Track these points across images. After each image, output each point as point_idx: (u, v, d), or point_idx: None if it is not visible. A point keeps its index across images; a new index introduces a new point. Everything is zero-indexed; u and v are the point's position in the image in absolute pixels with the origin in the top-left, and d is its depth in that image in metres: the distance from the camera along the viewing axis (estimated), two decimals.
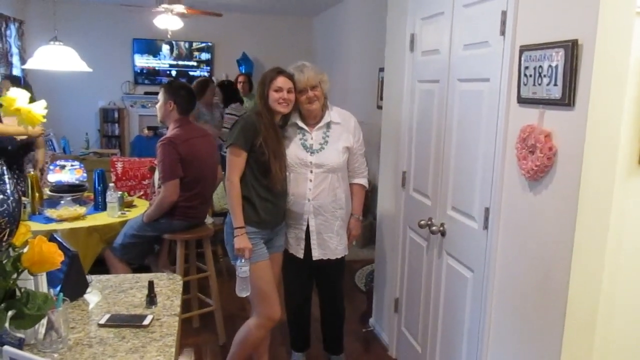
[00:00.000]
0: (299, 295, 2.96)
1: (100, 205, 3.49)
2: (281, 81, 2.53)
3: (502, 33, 1.99)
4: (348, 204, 2.78)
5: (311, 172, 2.65)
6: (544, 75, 1.73)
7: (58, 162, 4.05)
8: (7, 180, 1.15)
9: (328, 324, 3.03)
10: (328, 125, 2.70)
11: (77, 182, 3.92)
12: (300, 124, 2.69)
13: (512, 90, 1.94)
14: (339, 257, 2.77)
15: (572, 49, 1.60)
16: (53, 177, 3.94)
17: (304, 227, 2.69)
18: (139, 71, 8.37)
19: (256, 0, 7.06)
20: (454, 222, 2.42)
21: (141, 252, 3.25)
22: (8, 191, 1.14)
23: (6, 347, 1.10)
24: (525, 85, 1.85)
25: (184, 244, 3.22)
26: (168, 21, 5.99)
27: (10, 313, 1.16)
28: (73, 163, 4.02)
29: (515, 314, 1.97)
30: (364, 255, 5.00)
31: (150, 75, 8.42)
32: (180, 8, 5.68)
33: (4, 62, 6.55)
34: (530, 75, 1.81)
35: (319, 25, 8.43)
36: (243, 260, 2.48)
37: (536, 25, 1.83)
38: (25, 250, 1.26)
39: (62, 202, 3.53)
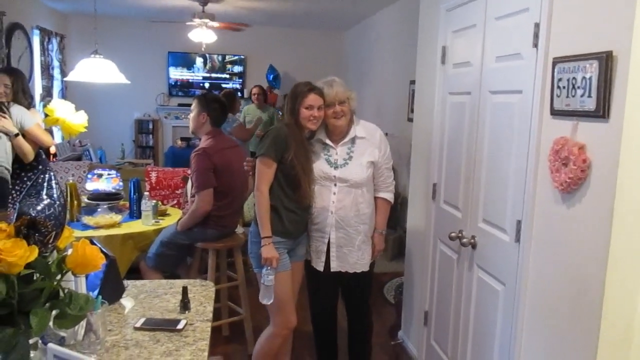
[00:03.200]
0: (323, 307, 2.97)
1: (135, 214, 3.58)
2: (312, 99, 2.56)
3: (535, 45, 1.99)
4: (373, 218, 2.78)
5: (335, 185, 2.66)
6: (578, 87, 1.72)
7: (96, 171, 4.17)
8: (54, 186, 1.21)
9: (354, 337, 3.02)
10: (353, 140, 2.71)
11: (113, 190, 4.03)
12: (325, 139, 2.71)
13: (545, 102, 1.93)
14: (358, 271, 2.76)
15: (606, 61, 1.59)
16: (91, 185, 4.06)
17: (326, 240, 2.70)
18: (173, 83, 8.57)
19: (288, 15, 7.17)
20: (485, 234, 2.40)
21: (174, 261, 3.32)
22: (55, 196, 1.20)
23: (51, 345, 1.15)
24: (558, 97, 1.84)
25: (215, 252, 3.28)
26: (202, 35, 6.14)
27: (54, 312, 1.21)
28: (110, 172, 4.13)
29: (548, 329, 1.94)
30: (393, 267, 4.98)
31: (184, 88, 8.62)
32: (213, 22, 5.82)
33: (45, 75, 6.79)
34: (564, 87, 1.80)
35: (349, 39, 8.50)
36: (269, 269, 2.51)
37: (569, 37, 1.82)
38: (68, 252, 1.32)
39: (98, 209, 3.64)
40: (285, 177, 2.56)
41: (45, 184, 1.21)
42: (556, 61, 1.85)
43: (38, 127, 3.49)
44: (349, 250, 2.70)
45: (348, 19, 7.48)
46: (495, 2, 2.35)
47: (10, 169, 3.50)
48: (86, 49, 4.61)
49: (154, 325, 1.71)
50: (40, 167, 1.20)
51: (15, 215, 1.18)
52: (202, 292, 2.03)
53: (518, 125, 2.12)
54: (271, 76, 8.30)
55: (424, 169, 3.20)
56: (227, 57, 8.62)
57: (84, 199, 3.80)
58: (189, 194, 3.65)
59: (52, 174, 1.23)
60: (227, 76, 8.70)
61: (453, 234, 2.60)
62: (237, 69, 8.73)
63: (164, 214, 3.72)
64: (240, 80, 8.70)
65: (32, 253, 1.14)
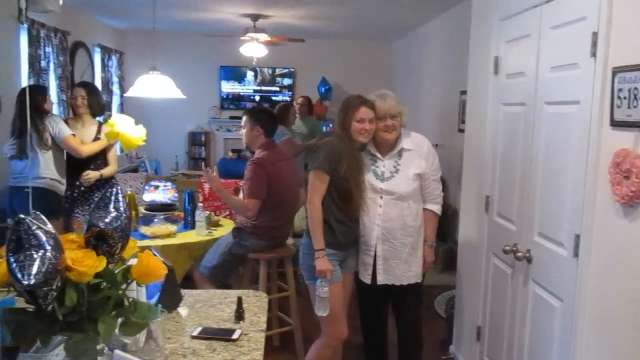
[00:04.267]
0: (373, 319, 2.96)
1: (189, 224, 3.69)
2: (364, 112, 2.58)
3: (593, 54, 1.94)
4: (420, 231, 2.76)
5: (381, 197, 2.66)
6: None
7: (152, 183, 4.33)
8: (120, 199, 1.27)
9: (405, 350, 2.99)
10: (400, 152, 2.71)
11: (169, 201, 4.17)
12: (373, 151, 2.72)
13: (604, 112, 1.87)
14: (404, 284, 2.74)
15: None
16: (147, 196, 4.21)
17: (372, 253, 2.70)
18: (225, 96, 8.79)
19: (337, 27, 7.24)
20: (541, 248, 2.34)
21: (227, 271, 3.39)
22: (121, 208, 1.26)
23: (117, 351, 1.21)
24: (619, 107, 1.78)
25: (267, 263, 3.33)
26: (253, 49, 6.28)
27: (119, 320, 1.27)
28: (165, 184, 4.28)
29: (608, 348, 1.87)
30: (443, 280, 4.90)
31: (235, 101, 8.82)
32: (265, 36, 5.94)
33: (105, 90, 7.11)
34: (625, 98, 1.75)
35: (398, 50, 8.49)
36: (323, 281, 2.54)
37: (630, 46, 1.77)
38: (131, 262, 1.38)
39: (155, 220, 3.76)
40: (337, 190, 2.58)
41: (113, 198, 1.28)
42: (616, 71, 1.80)
43: (72, 137, 3.67)
44: (396, 263, 2.69)
45: (397, 30, 7.48)
46: (550, 11, 2.31)
47: (60, 179, 3.68)
48: (143, 64, 4.81)
49: (210, 335, 1.76)
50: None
51: (86, 227, 1.25)
52: (256, 303, 2.07)
53: (575, 136, 2.07)
54: (323, 88, 8.38)
55: (476, 180, 3.16)
56: (276, 70, 8.77)
57: (141, 209, 3.94)
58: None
59: (119, 188, 1.30)
60: (277, 89, 8.85)
61: (507, 248, 2.55)
62: (287, 81, 8.86)
63: (216, 224, 3.81)
64: (290, 92, 8.83)
65: (100, 263, 1.21)
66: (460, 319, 3.42)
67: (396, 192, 2.65)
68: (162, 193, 4.21)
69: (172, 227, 3.54)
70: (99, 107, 3.96)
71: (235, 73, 8.75)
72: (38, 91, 3.82)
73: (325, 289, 2.53)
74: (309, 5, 5.82)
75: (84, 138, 3.85)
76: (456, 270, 3.52)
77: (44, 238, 1.12)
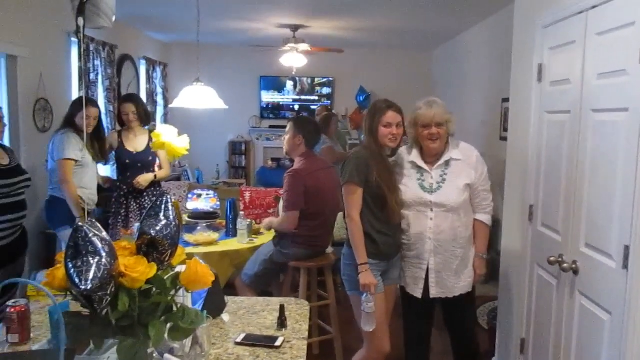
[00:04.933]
0: (418, 334, 2.90)
1: (231, 232, 3.76)
2: (391, 116, 2.57)
3: None
4: (470, 241, 2.72)
5: (431, 210, 2.63)
6: None
7: (195, 191, 4.42)
8: (170, 208, 1.32)
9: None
10: (447, 162, 2.68)
11: (211, 209, 4.25)
12: (419, 163, 2.69)
13: None
14: (456, 295, 2.70)
15: None
16: (191, 204, 4.31)
17: (424, 267, 2.66)
18: (264, 106, 8.92)
19: (376, 36, 7.26)
20: (588, 259, 2.28)
21: (268, 278, 3.44)
22: (171, 217, 1.31)
23: (167, 355, 1.25)
24: None
25: (307, 271, 3.35)
26: (293, 59, 6.36)
27: (168, 325, 1.32)
28: (208, 192, 4.37)
29: None
30: (485, 290, 4.81)
31: (274, 110, 8.94)
32: (305, 47, 6.01)
33: (150, 101, 7.33)
34: None
35: (438, 58, 8.43)
36: (368, 295, 2.51)
37: None
38: (178, 269, 1.43)
39: (198, 227, 3.85)
40: (372, 198, 2.58)
41: (163, 206, 1.33)
42: None
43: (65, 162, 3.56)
44: (447, 275, 2.66)
45: (437, 38, 7.44)
46: (596, 17, 2.26)
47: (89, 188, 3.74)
48: (186, 75, 4.93)
49: (253, 341, 1.79)
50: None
51: (137, 234, 1.31)
52: (298, 311, 2.09)
53: (624, 144, 2.01)
54: (362, 97, 8.40)
55: (519, 189, 3.10)
56: (315, 79, 8.84)
57: (185, 217, 4.04)
58: (280, 214, 3.77)
59: (169, 197, 1.35)
60: (316, 98, 8.91)
61: (552, 259, 2.49)
62: (326, 90, 8.92)
63: (257, 232, 3.86)
64: (329, 102, 8.88)
65: (151, 270, 1.25)
66: (503, 331, 3.35)
67: (447, 204, 2.61)
68: (204, 201, 4.30)
69: (215, 235, 3.61)
70: (147, 117, 4.15)
71: (274, 83, 8.87)
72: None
73: (371, 304, 2.50)
74: (349, 17, 5.87)
75: (137, 147, 4.04)
76: (498, 281, 3.46)
77: (99, 245, 1.18)
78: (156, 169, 4.17)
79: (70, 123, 3.65)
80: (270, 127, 8.81)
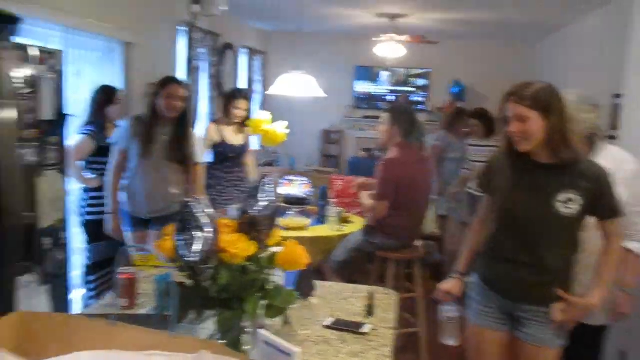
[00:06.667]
0: None
1: (321, 219, 3.82)
2: (509, 108, 2.30)
3: None
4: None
5: None
6: None
7: (287, 177, 4.55)
8: (271, 189, 1.38)
9: None
10: None
11: (304, 195, 4.36)
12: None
13: None
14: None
15: None
16: (282, 189, 4.44)
17: None
18: (358, 96, 8.92)
19: (477, 28, 7.00)
20: None
21: (355, 267, 3.47)
22: (272, 198, 1.36)
23: (261, 331, 1.31)
24: None
25: (394, 262, 3.34)
26: (390, 49, 6.31)
27: (263, 302, 1.38)
28: (302, 179, 4.48)
29: None
30: None
31: (369, 100, 8.91)
32: (405, 37, 5.93)
33: (249, 90, 7.58)
34: None
35: (542, 52, 7.98)
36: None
37: None
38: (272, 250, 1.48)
39: (289, 212, 3.96)
40: (498, 211, 2.08)
41: (265, 187, 1.39)
42: None
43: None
44: None
45: (540, 31, 7.05)
46: None
47: None
48: (283, 63, 5.02)
49: (341, 326, 1.82)
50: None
51: (239, 213, 1.37)
52: (385, 300, 2.09)
53: None
54: (457, 89, 8.17)
55: None
56: (411, 70, 8.70)
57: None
58: (362, 202, 3.70)
59: (270, 178, 1.41)
60: (412, 89, 8.78)
61: None
62: (421, 82, 8.75)
63: (346, 220, 3.90)
64: (425, 93, 8.71)
65: (251, 247, 1.31)
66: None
67: None
68: (297, 187, 4.41)
69: (306, 221, 3.69)
70: (248, 114, 4.13)
71: (369, 73, 8.83)
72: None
73: (450, 307, 2.10)
74: (452, 9, 5.72)
75: (238, 140, 4.09)
76: None
77: (205, 220, 1.25)
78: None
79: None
80: (364, 117, 8.80)
